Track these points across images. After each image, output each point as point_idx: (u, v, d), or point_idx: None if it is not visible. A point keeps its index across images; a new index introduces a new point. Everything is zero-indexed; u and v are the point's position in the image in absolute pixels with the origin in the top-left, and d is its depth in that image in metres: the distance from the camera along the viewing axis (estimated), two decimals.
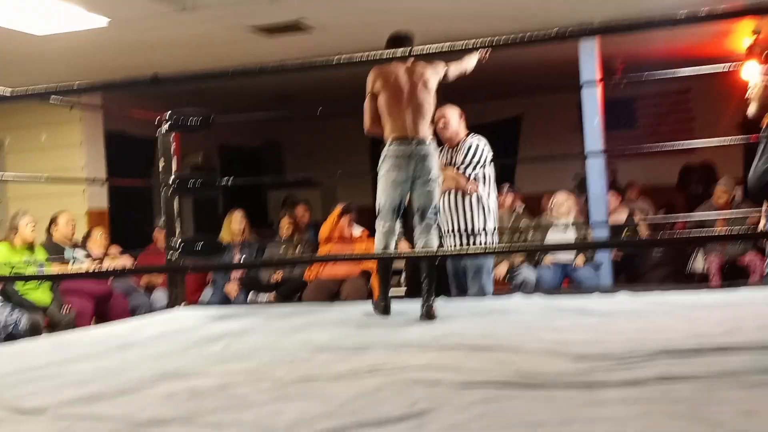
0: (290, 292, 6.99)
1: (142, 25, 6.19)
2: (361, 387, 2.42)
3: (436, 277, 4.22)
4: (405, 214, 4.38)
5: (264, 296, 7.03)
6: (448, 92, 4.67)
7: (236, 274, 7.13)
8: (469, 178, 5.01)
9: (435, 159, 4.21)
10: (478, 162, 5.00)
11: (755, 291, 4.08)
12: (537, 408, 2.06)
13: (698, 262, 7.11)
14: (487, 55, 4.51)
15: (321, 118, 9.81)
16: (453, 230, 5.09)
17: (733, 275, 6.39)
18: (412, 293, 5.62)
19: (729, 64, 5.21)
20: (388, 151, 4.17)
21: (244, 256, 7.16)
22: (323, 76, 7.90)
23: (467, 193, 5.02)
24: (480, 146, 5.06)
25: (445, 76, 4.33)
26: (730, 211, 6.25)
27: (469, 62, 4.51)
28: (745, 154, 7.95)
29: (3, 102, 6.75)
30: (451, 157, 5.09)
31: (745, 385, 2.12)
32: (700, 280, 6.90)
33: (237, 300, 6.97)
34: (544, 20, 6.44)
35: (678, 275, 7.12)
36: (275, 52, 7.08)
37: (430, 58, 4.31)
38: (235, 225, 7.30)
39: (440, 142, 5.02)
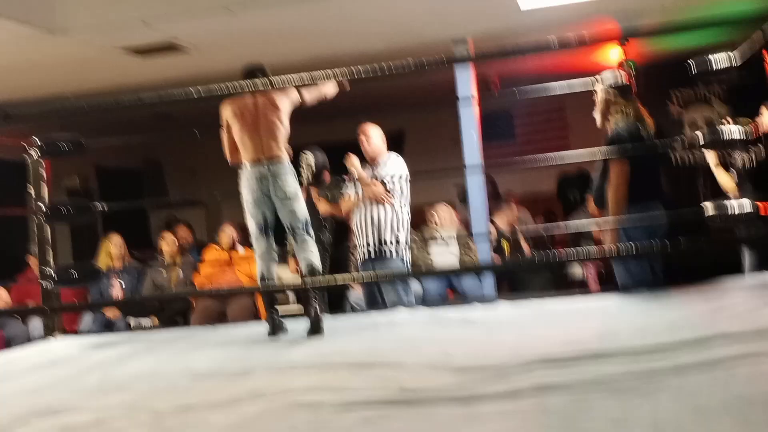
0: (174, 315, 6.84)
1: (9, 49, 5.98)
2: (241, 414, 2.38)
3: (326, 293, 4.31)
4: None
5: (147, 321, 6.86)
6: (330, 109, 4.79)
7: (114, 297, 6.92)
8: (386, 190, 5.32)
9: (290, 176, 4.37)
10: (395, 175, 5.35)
11: (629, 297, 4.21)
12: (417, 426, 2.07)
13: (576, 269, 7.32)
14: (347, 85, 4.63)
15: (201, 137, 9.67)
16: (366, 242, 5.38)
17: (609, 281, 6.59)
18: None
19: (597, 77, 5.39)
20: (243, 175, 4.39)
21: (123, 281, 6.98)
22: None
23: (382, 204, 5.32)
24: (398, 162, 5.47)
25: (302, 100, 4.52)
26: (603, 219, 6.46)
27: (328, 88, 4.65)
28: None
29: None
30: (372, 171, 5.44)
31: (615, 392, 2.19)
32: (579, 286, 7.10)
33: (118, 325, 6.77)
34: (419, 35, 6.52)
35: (558, 281, 7.31)
36: (150, 72, 6.94)
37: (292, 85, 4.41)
38: (112, 250, 7.13)
39: (363, 158, 5.50)
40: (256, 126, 4.35)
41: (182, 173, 11.99)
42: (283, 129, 4.40)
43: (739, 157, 4.81)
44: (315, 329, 4.06)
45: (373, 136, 5.50)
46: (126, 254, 7.24)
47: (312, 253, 4.35)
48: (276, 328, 4.24)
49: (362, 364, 3.00)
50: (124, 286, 6.96)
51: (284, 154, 4.38)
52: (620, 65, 7.55)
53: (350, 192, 5.55)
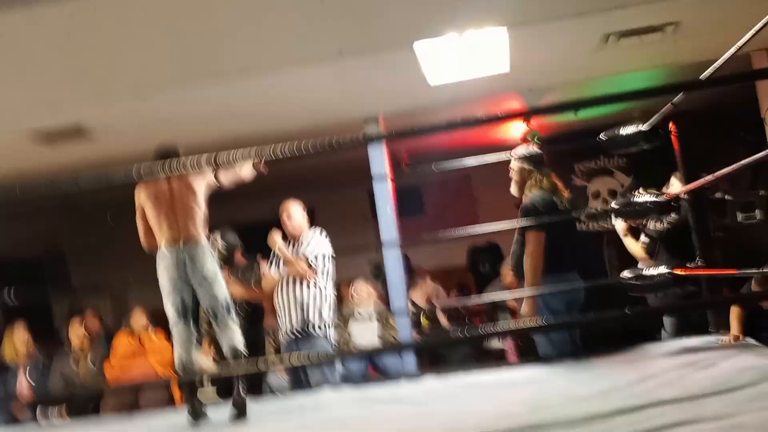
0: (84, 406, 6.55)
1: None
2: None
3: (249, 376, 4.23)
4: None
5: (55, 410, 6.54)
6: (239, 189, 4.76)
7: (22, 392, 6.60)
8: (310, 266, 5.24)
9: (208, 258, 4.30)
10: (318, 253, 5.28)
11: (553, 366, 4.22)
12: None
13: (495, 341, 7.35)
14: (263, 166, 4.64)
15: (107, 222, 9.48)
16: (290, 322, 5.24)
17: (528, 351, 6.63)
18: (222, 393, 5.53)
19: (504, 152, 5.50)
20: (159, 259, 4.29)
21: (29, 375, 6.67)
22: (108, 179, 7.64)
23: (306, 281, 5.23)
24: (320, 239, 5.40)
25: (218, 183, 4.48)
26: (520, 290, 6.56)
27: (244, 171, 4.64)
28: None
29: None
30: (295, 249, 5.36)
31: None
32: (498, 357, 7.12)
33: (25, 418, 6.44)
34: (331, 115, 6.56)
35: (477, 354, 7.32)
36: (56, 158, 6.76)
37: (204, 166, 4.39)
38: (17, 342, 6.79)
39: (285, 236, 5.41)
40: (172, 209, 4.28)
41: (86, 261, 11.65)
42: (200, 211, 4.34)
43: (653, 224, 4.95)
44: (239, 414, 3.95)
45: (295, 214, 5.45)
46: (31, 346, 6.92)
47: (235, 337, 4.26)
48: (197, 416, 4.11)
49: None
50: (31, 380, 6.65)
51: (202, 237, 4.31)
52: (525, 137, 7.74)
53: (272, 271, 5.45)
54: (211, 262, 4.27)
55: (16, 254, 10.88)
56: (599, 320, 4.10)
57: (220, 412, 4.11)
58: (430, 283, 7.73)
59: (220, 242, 5.74)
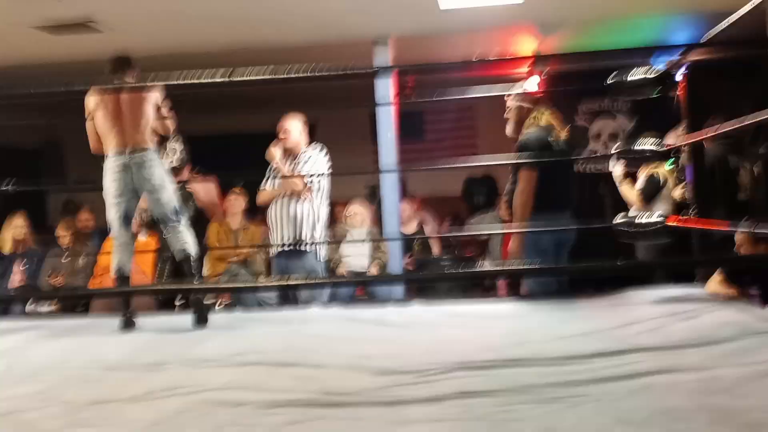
0: (74, 301, 6.63)
1: None
2: (160, 410, 2.33)
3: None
4: None
5: (44, 306, 6.62)
6: (244, 99, 4.72)
7: (14, 283, 6.68)
8: (305, 185, 5.29)
9: (156, 166, 4.29)
10: (314, 171, 5.32)
11: (538, 304, 4.28)
12: (345, 428, 2.06)
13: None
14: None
15: None
16: (282, 237, 5.34)
17: (517, 286, 6.68)
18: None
19: (510, 85, 5.46)
20: (106, 164, 4.31)
21: (26, 266, 6.73)
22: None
23: (300, 199, 5.30)
24: (317, 157, 5.42)
25: (159, 105, 4.42)
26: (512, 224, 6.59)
27: (169, 124, 4.56)
28: None
29: None
30: (292, 166, 5.40)
31: (540, 400, 2.23)
32: (487, 289, 7.18)
33: (14, 310, 6.51)
34: (340, 31, 6.48)
35: (465, 285, 7.37)
36: (61, 50, 6.70)
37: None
38: (15, 232, 6.81)
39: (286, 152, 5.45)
40: (120, 115, 4.27)
41: (83, 155, 11.62)
42: (149, 119, 4.31)
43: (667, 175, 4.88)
44: (201, 319, 4.06)
45: (293, 130, 5.45)
46: (28, 238, 6.95)
47: (185, 242, 4.32)
48: (127, 324, 4.17)
49: (279, 362, 2.97)
50: (24, 270, 6.72)
51: (149, 144, 4.30)
52: (532, 71, 7.66)
53: (268, 185, 5.48)
54: (157, 170, 4.28)
55: (13, 143, 10.85)
56: (582, 269, 4.12)
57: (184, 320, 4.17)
58: (417, 214, 7.78)
59: (174, 146, 5.76)
